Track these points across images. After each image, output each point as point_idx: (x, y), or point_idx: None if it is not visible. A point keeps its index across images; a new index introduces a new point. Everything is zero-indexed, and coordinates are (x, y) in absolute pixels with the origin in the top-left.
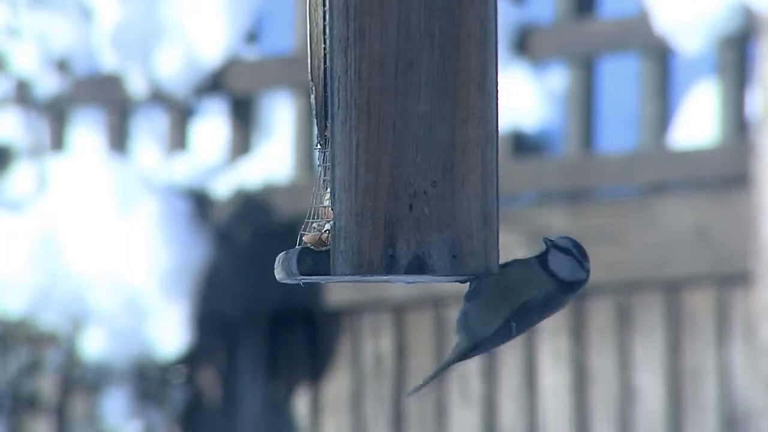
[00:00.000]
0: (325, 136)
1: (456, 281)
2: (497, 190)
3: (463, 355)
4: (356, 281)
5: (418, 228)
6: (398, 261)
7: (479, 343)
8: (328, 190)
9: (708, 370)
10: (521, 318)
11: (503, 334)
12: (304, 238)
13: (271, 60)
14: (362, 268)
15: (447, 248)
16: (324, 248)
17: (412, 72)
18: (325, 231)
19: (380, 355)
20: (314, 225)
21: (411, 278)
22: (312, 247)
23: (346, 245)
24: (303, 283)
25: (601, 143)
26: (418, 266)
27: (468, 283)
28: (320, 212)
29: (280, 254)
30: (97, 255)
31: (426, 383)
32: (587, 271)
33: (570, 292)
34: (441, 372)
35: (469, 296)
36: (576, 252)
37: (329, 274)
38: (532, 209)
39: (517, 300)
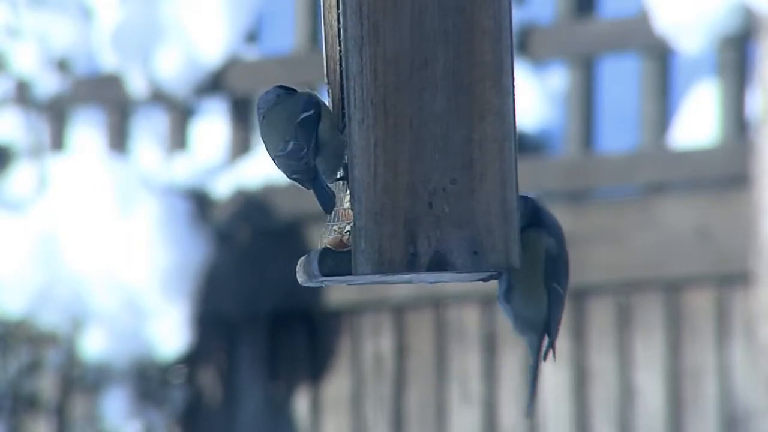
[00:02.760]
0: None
1: (478, 279)
2: (517, 186)
3: (537, 347)
4: (378, 282)
5: (438, 225)
6: (419, 259)
7: (545, 324)
8: (348, 192)
9: (708, 370)
10: (553, 274)
11: (557, 302)
12: (324, 240)
13: (271, 60)
14: (383, 266)
15: (467, 245)
16: (345, 249)
17: (428, 70)
18: (345, 233)
19: (380, 355)
20: (334, 227)
21: (433, 277)
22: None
23: (366, 244)
24: (325, 285)
25: (601, 143)
26: (440, 263)
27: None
28: (340, 214)
29: (302, 257)
30: (97, 255)
31: (533, 395)
32: (531, 198)
33: (540, 216)
34: (537, 378)
35: (506, 297)
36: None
37: (351, 274)
38: None
39: (537, 265)
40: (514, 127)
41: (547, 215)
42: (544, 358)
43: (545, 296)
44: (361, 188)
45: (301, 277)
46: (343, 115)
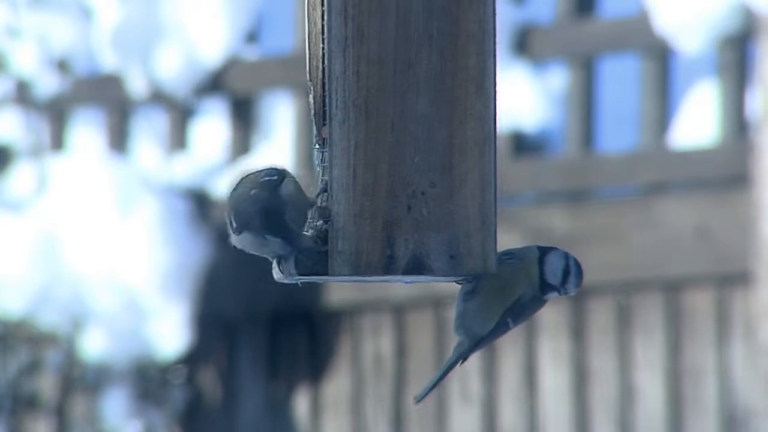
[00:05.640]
0: (324, 136)
1: (454, 281)
2: (495, 191)
3: (466, 353)
4: (354, 281)
5: (416, 228)
6: (396, 261)
7: (479, 340)
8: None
9: (708, 370)
10: (516, 313)
11: (501, 330)
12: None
13: (271, 60)
14: (360, 268)
15: (445, 249)
16: (323, 248)
17: (411, 72)
18: (323, 231)
19: (380, 355)
20: (313, 225)
21: (410, 278)
22: (311, 247)
23: (344, 246)
24: (301, 283)
25: (601, 143)
26: (417, 267)
27: (462, 283)
28: (320, 212)
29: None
30: (97, 255)
31: (433, 387)
32: (572, 286)
33: (547, 292)
34: (445, 374)
35: (466, 297)
36: (572, 263)
37: (328, 275)
38: (532, 209)
39: (511, 296)
40: (495, 132)
41: (566, 284)
42: (462, 361)
43: (496, 321)
44: (341, 189)
45: (276, 275)
46: (324, 113)
